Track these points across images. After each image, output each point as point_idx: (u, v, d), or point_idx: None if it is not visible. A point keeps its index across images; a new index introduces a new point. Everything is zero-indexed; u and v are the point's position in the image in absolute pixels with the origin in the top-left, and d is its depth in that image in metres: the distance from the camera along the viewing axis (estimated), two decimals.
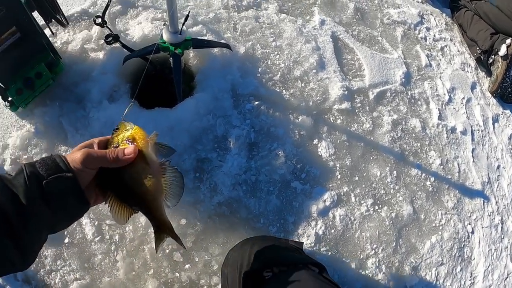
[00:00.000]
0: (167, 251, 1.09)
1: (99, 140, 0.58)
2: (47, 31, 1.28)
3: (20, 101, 1.18)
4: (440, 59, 1.80)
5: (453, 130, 1.61)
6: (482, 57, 1.78)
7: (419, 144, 1.53)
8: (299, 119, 1.45)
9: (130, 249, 1.09)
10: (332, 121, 1.49)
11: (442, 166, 1.51)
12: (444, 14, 2.03)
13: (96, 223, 1.12)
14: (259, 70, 1.53)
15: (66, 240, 1.08)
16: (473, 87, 1.77)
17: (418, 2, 2.01)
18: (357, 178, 1.39)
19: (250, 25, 1.67)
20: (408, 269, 1.31)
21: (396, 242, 1.33)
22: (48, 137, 1.24)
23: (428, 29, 1.90)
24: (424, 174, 1.48)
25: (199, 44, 1.39)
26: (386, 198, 1.39)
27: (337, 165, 1.39)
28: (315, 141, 1.42)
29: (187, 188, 1.17)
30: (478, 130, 1.65)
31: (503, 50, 1.66)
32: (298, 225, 1.25)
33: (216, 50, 1.51)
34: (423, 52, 1.79)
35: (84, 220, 1.10)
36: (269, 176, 1.30)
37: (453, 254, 1.38)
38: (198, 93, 1.36)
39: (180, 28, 1.22)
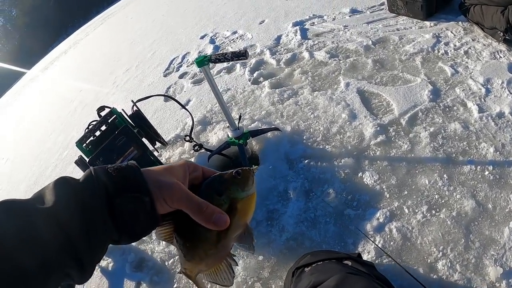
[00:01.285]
0: (250, 282, 1.58)
1: (207, 171, 0.52)
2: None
3: None
4: (467, 61, 2.03)
5: (501, 115, 1.72)
6: (507, 37, 1.93)
7: (465, 143, 1.71)
8: (342, 162, 1.90)
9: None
10: (372, 154, 1.88)
11: (498, 152, 1.61)
12: (460, 22, 2.31)
13: None
14: (304, 137, 2.14)
15: (175, 286, 1.71)
16: (511, 68, 1.88)
17: (430, 27, 2.39)
18: (406, 192, 1.66)
19: (292, 109, 2.39)
20: (489, 262, 1.37)
21: (466, 239, 1.44)
22: None
23: (446, 43, 2.20)
24: (479, 167, 1.60)
25: (255, 133, 2.14)
26: (443, 201, 1.57)
27: (384, 187, 1.71)
28: (359, 174, 1.81)
29: (261, 232, 1.73)
30: None
31: None
32: (357, 244, 1.57)
33: (269, 134, 2.23)
34: (446, 65, 2.07)
35: None
36: (325, 210, 1.73)
37: None
38: (260, 165, 2.05)
39: (237, 125, 2.02)
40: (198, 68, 1.80)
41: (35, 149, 5.04)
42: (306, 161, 1.99)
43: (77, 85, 6.69)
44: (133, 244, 2.03)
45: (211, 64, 1.78)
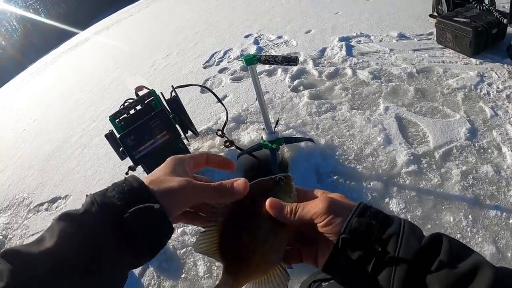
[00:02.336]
0: None
1: (212, 156, 0.49)
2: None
3: None
4: (508, 106, 2.08)
5: None
6: None
7: (494, 187, 1.77)
8: (371, 185, 2.00)
9: None
10: (401, 182, 1.96)
11: None
12: (505, 65, 2.35)
13: (208, 264, 1.84)
14: (337, 153, 2.24)
15: (183, 275, 1.83)
16: None
17: (476, 64, 2.43)
18: (429, 226, 1.73)
19: (329, 123, 2.49)
20: None
21: None
22: None
23: (490, 84, 2.25)
24: (505, 213, 1.66)
25: (289, 140, 2.24)
26: (463, 241, 1.64)
27: (408, 217, 1.79)
28: (386, 200, 1.90)
29: None
30: None
31: None
32: None
33: (302, 144, 2.33)
34: (487, 106, 2.12)
35: (199, 261, 1.86)
36: None
37: None
38: (290, 173, 2.16)
39: (273, 129, 2.12)
40: (244, 65, 1.87)
41: (64, 115, 5.20)
42: (336, 177, 2.09)
43: (115, 61, 6.94)
44: None
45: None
